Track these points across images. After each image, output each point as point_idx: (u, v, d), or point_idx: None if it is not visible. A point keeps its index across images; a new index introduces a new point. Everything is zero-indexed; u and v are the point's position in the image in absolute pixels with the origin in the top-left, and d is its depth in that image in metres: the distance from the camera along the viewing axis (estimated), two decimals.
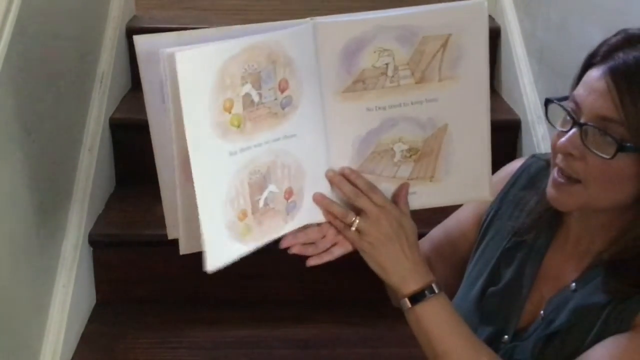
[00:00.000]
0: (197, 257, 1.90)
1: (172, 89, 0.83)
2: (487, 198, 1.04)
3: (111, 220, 1.88)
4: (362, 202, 0.96)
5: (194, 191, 0.85)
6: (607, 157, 0.88)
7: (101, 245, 1.81)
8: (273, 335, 1.73)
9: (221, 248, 0.89)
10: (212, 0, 2.62)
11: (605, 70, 0.89)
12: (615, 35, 0.93)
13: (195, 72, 0.83)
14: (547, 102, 0.97)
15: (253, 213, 0.91)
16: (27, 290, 1.48)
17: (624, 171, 0.89)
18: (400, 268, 0.96)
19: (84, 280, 1.75)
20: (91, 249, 1.79)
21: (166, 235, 0.96)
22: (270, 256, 1.81)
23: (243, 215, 0.90)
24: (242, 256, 0.91)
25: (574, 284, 0.98)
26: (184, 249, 0.94)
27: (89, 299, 1.79)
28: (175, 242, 0.97)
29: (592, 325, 0.93)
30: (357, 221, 0.96)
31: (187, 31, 0.89)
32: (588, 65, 0.94)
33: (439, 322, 0.96)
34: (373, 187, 0.97)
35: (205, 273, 0.87)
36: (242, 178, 0.89)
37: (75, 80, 1.82)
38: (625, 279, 0.92)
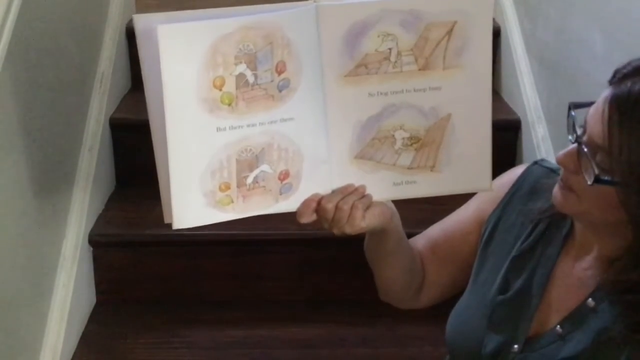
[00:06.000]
0: (198, 257, 1.90)
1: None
2: (488, 189, 1.04)
3: (111, 220, 1.87)
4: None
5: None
6: (589, 182, 0.88)
7: (101, 245, 1.80)
8: (273, 335, 1.73)
9: (194, 211, 0.93)
10: (211, 1, 2.62)
11: (609, 95, 0.88)
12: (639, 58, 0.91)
13: (179, 47, 0.85)
14: (571, 106, 0.95)
15: (238, 187, 0.94)
16: (27, 290, 1.48)
17: (608, 198, 0.89)
18: None
19: (84, 280, 1.75)
20: (91, 249, 1.79)
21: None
22: (270, 256, 1.83)
23: (225, 187, 0.93)
24: (216, 222, 0.95)
25: (591, 300, 0.96)
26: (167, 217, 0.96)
27: (89, 299, 1.79)
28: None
29: (619, 354, 0.91)
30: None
31: (187, 11, 0.88)
32: (611, 80, 0.91)
33: None
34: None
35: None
36: (230, 154, 0.92)
37: (75, 80, 1.82)
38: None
